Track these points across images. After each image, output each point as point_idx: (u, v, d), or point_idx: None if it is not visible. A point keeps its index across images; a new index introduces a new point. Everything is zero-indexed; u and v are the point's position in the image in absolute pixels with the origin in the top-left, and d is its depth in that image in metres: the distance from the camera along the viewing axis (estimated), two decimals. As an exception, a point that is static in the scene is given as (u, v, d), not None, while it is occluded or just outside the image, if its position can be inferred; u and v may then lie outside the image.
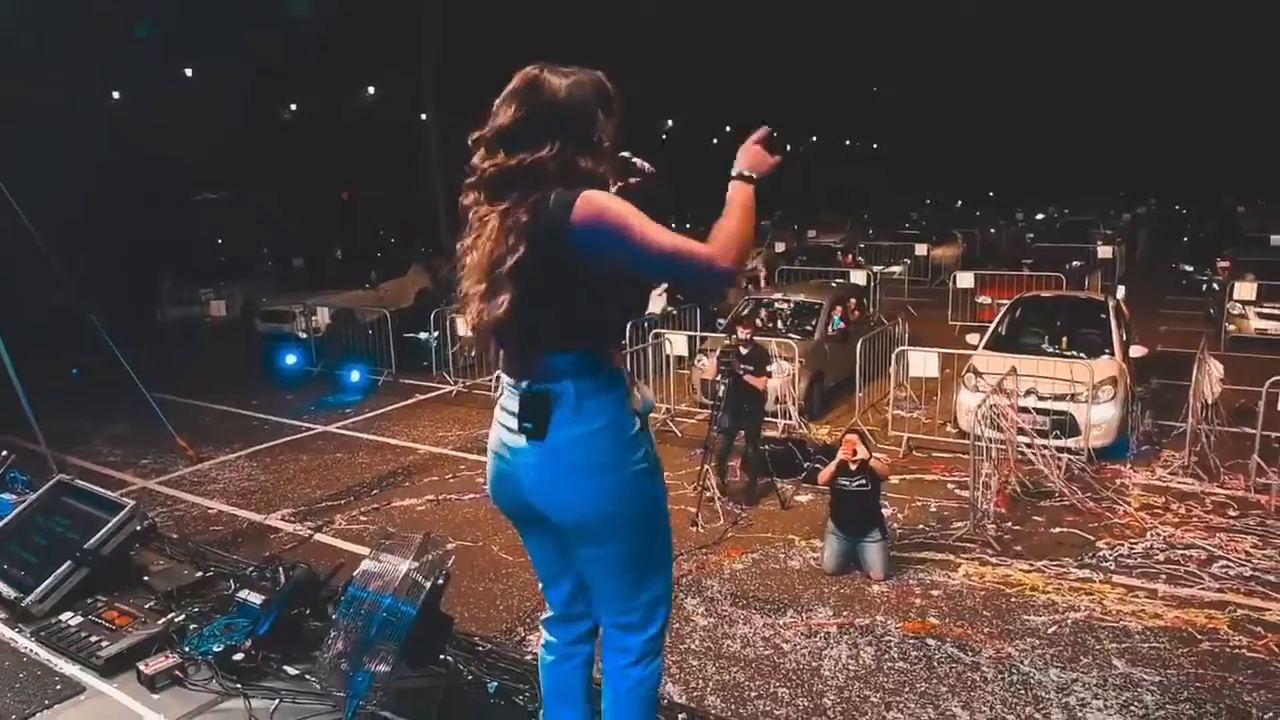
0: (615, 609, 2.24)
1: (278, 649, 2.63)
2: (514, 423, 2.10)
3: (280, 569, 2.94)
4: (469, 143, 2.10)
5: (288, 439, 10.39)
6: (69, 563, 3.07)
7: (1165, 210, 42.80)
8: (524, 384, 2.08)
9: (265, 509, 8.14)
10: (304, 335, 14.49)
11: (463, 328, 11.68)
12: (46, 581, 3.02)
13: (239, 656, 2.55)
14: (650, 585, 2.22)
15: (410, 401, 12.03)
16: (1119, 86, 49.55)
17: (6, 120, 10.47)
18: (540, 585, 2.42)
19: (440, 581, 2.40)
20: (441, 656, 2.54)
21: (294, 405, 11.89)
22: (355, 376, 12.58)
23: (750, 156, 2.17)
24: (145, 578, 3.22)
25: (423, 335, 13.36)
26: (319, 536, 7.50)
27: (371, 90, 31.50)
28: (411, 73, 23.96)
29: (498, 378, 2.21)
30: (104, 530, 3.16)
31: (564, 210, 1.93)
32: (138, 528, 3.32)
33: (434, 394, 12.31)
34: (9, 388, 8.28)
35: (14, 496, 4.01)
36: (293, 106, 31.43)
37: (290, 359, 13.53)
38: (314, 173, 27.74)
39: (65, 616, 2.94)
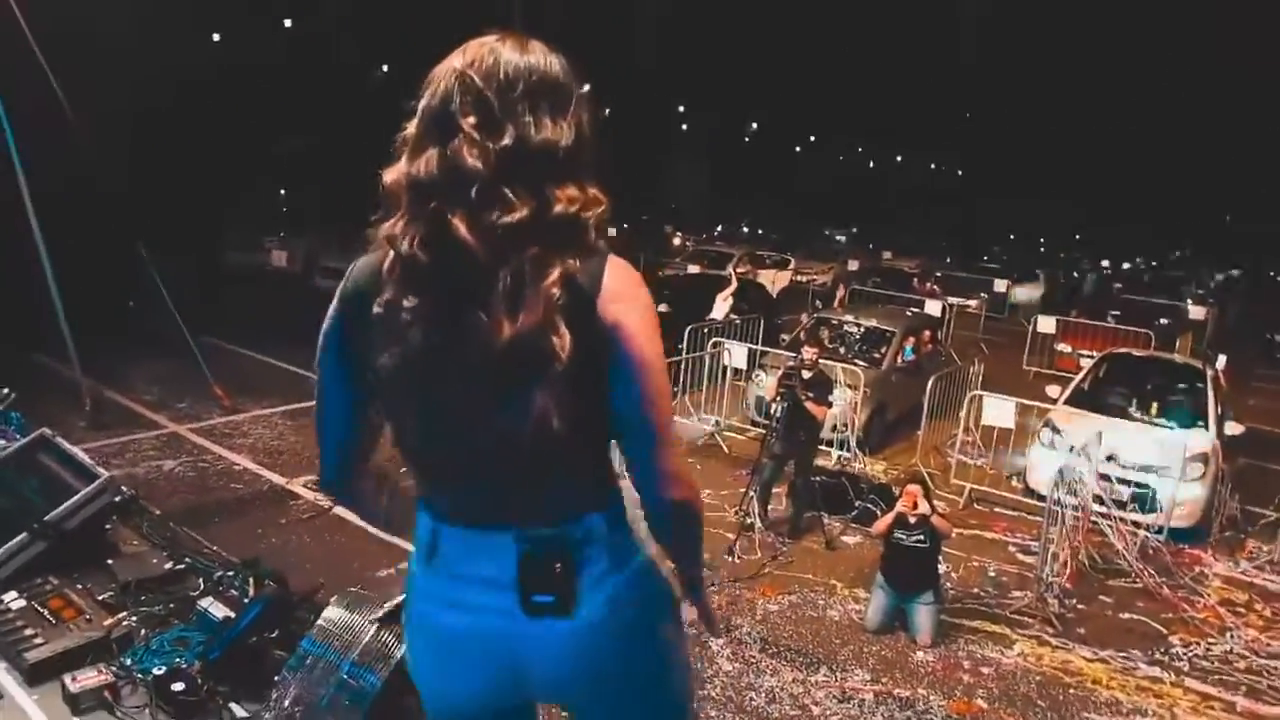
0: None
1: (229, 680, 2.23)
2: (503, 598, 1.49)
3: (252, 578, 2.54)
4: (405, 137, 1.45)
5: (326, 401, 10.11)
6: (24, 535, 2.71)
7: (1260, 274, 40.82)
8: (515, 530, 1.48)
9: (290, 473, 7.85)
10: (359, 296, 14.24)
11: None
12: (-2, 551, 2.68)
13: (179, 686, 2.15)
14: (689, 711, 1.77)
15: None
16: (1223, 140, 47.43)
17: (91, 52, 10.34)
18: None
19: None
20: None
21: (339, 366, 11.64)
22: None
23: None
24: (110, 560, 2.85)
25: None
26: (338, 510, 7.17)
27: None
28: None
29: (431, 533, 1.60)
30: (70, 503, 2.80)
31: (594, 283, 1.40)
32: (112, 500, 2.96)
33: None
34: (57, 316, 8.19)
35: (2, 441, 3.70)
36: (384, 67, 31.47)
37: (343, 318, 13.29)
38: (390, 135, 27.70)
39: (8, 597, 2.58)
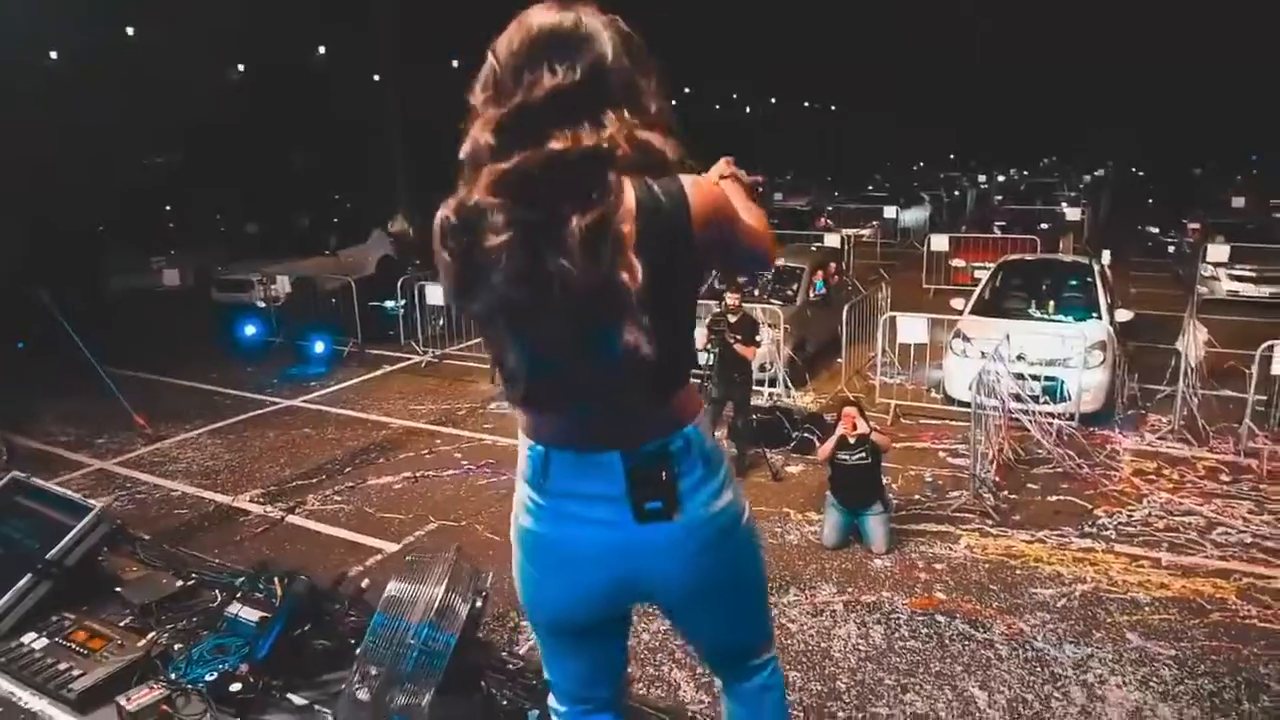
0: (751, 647, 2.00)
1: (279, 674, 2.32)
2: (614, 509, 1.63)
3: (275, 579, 2.61)
4: (463, 125, 1.54)
5: (252, 414, 9.92)
6: (29, 575, 2.71)
7: (1122, 173, 43.24)
8: (620, 449, 1.60)
9: (233, 490, 7.73)
10: (263, 305, 13.91)
11: (436, 297, 11.19)
12: (4, 598, 2.66)
13: (236, 686, 2.23)
14: (766, 600, 2.05)
15: (379, 373, 11.59)
16: (1073, 49, 49.70)
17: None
18: (565, 688, 1.95)
19: (479, 604, 2.10)
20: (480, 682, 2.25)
21: (256, 378, 11.39)
22: (320, 347, 12.08)
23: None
24: (118, 589, 2.87)
25: (389, 304, 12.89)
26: (291, 518, 7.14)
27: (323, 50, 30.43)
28: (364, 28, 22.98)
29: (542, 457, 1.68)
30: (68, 538, 2.80)
31: (679, 209, 1.51)
32: (106, 530, 2.97)
33: (403, 364, 11.88)
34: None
35: (-39, 496, 3.61)
36: (240, 68, 30.22)
37: (250, 330, 12.95)
38: (266, 136, 26.79)
39: (28, 639, 2.58)
